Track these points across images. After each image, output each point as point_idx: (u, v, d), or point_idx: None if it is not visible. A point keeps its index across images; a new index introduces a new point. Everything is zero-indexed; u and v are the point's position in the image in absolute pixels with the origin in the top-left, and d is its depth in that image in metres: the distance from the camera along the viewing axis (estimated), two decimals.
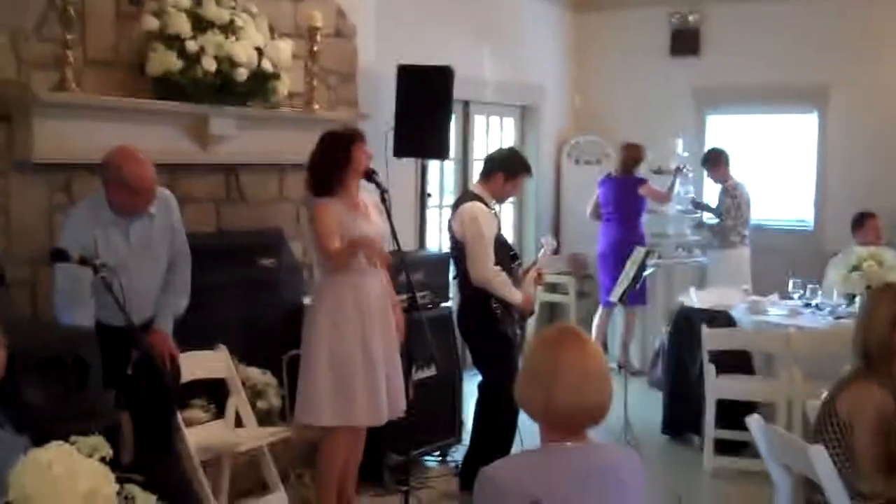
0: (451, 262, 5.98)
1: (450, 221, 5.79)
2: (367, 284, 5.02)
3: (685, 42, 10.04)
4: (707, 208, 9.15)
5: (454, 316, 6.08)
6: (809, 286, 7.06)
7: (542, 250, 6.08)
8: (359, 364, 4.94)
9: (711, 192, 9.45)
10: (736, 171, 8.99)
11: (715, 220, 8.93)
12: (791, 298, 7.08)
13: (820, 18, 9.38)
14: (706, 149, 9.36)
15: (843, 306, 6.62)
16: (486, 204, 5.67)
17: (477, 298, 5.60)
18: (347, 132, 5.14)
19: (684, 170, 9.16)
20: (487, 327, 5.61)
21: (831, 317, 6.59)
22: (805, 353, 6.12)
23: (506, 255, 5.69)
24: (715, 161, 8.95)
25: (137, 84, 5.29)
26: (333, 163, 4.97)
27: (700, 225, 9.36)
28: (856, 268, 6.54)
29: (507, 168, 5.72)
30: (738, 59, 9.73)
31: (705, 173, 9.33)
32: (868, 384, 3.69)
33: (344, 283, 4.97)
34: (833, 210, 9.34)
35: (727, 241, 8.76)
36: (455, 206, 5.82)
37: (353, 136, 5.08)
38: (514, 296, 5.61)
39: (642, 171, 8.97)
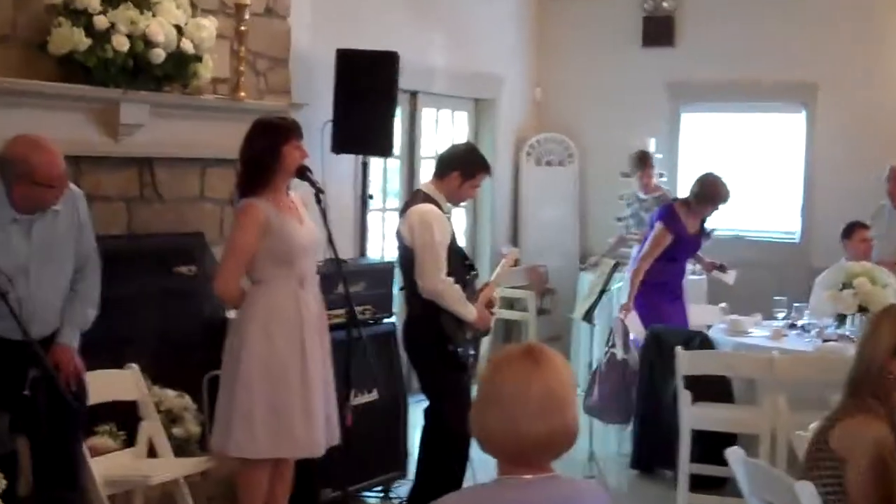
0: (398, 271, 5.97)
1: (398, 226, 5.78)
2: (307, 294, 4.97)
3: (659, 31, 10.13)
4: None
5: (399, 333, 6.08)
6: (795, 305, 7.15)
7: (503, 262, 6.09)
8: (296, 382, 4.87)
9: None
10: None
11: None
12: (775, 318, 7.16)
13: (809, 6, 9.52)
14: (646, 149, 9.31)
15: (833, 327, 6.69)
16: (440, 206, 5.66)
17: (426, 313, 5.60)
18: (281, 125, 5.01)
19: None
20: (437, 346, 5.60)
21: (819, 339, 6.66)
22: (791, 379, 6.19)
23: (460, 265, 5.70)
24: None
25: (38, 64, 5.24)
26: (261, 161, 4.87)
27: None
28: (846, 285, 6.61)
29: (464, 166, 5.71)
30: (717, 51, 9.85)
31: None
32: (866, 417, 3.66)
33: (280, 291, 4.89)
34: (822, 220, 9.44)
35: None
36: (404, 209, 5.82)
37: (287, 131, 4.94)
38: (468, 312, 5.61)
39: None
